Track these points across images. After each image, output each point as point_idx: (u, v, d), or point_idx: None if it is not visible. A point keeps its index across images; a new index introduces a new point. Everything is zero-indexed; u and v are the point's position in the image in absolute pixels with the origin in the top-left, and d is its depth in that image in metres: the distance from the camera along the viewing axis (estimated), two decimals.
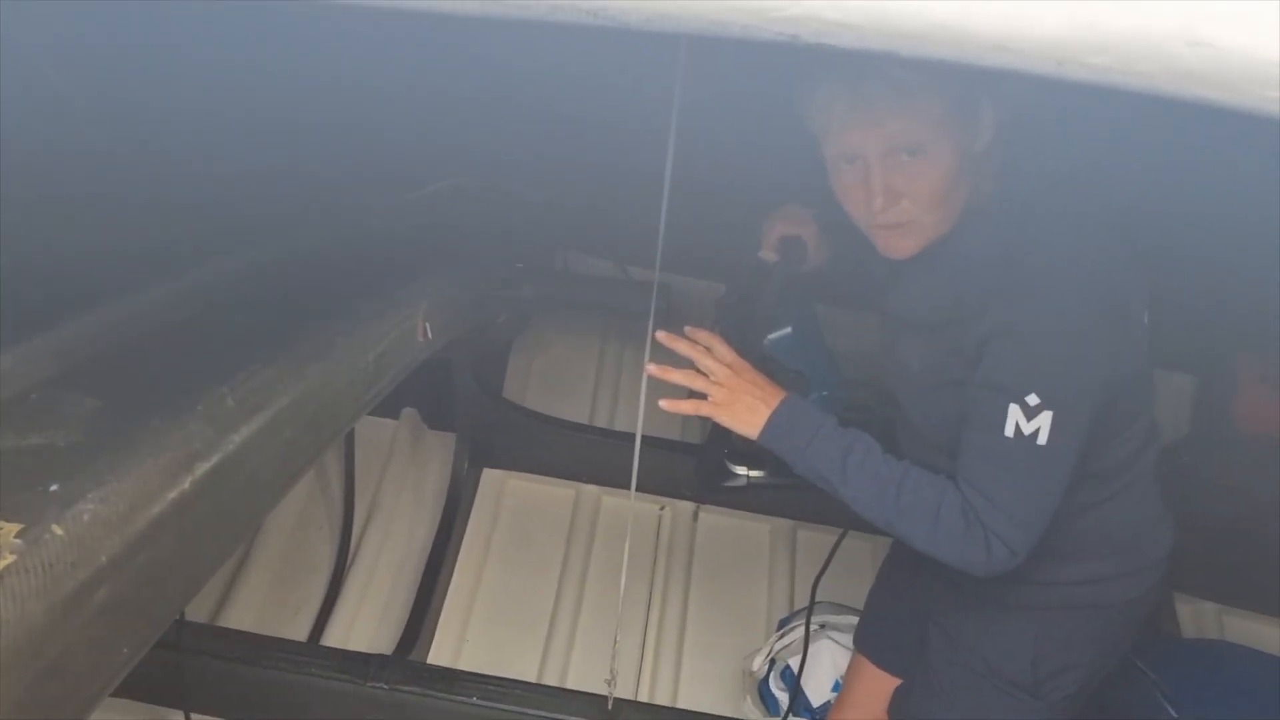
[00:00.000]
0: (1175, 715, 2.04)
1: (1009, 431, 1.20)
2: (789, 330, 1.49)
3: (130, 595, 0.93)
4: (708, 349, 1.36)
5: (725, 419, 1.34)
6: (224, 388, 1.11)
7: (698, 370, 1.36)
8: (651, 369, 1.36)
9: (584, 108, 1.79)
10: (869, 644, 1.82)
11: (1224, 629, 2.62)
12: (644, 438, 1.60)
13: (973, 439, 1.26)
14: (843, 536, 1.68)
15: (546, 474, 2.77)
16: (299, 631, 2.39)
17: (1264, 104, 0.67)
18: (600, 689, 2.06)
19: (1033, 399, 1.18)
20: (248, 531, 1.31)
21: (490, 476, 2.76)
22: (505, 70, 1.64)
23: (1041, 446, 1.19)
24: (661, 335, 1.38)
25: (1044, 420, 1.18)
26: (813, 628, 2.14)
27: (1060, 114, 1.19)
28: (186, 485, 1.02)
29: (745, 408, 1.33)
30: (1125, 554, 1.46)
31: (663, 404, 1.36)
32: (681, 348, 1.37)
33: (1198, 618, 2.64)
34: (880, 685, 1.74)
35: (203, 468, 1.04)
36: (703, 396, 1.35)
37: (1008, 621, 1.49)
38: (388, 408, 2.76)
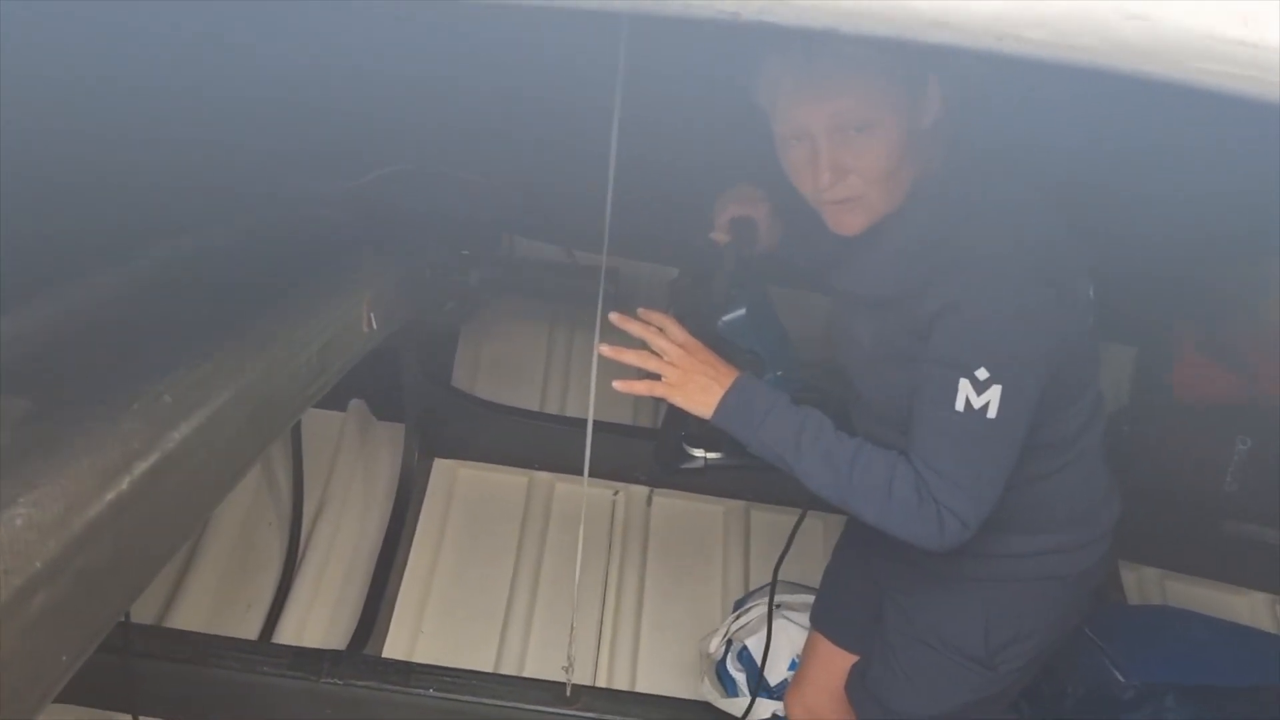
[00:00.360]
0: (1123, 680, 2.09)
1: (959, 406, 1.21)
2: (743, 311, 1.49)
3: (68, 601, 0.90)
4: (660, 330, 1.36)
5: (679, 399, 1.34)
6: (160, 385, 1.08)
7: (651, 351, 1.36)
8: (604, 349, 1.36)
9: (527, 90, 1.77)
10: (825, 622, 1.83)
11: (1166, 594, 2.69)
12: (596, 423, 1.60)
13: (924, 414, 1.27)
14: (802, 517, 1.68)
15: (499, 462, 2.75)
16: (250, 630, 2.36)
17: (1199, 76, 0.67)
18: (558, 676, 2.05)
19: (982, 373, 1.19)
20: (190, 531, 1.28)
21: (441, 466, 2.74)
22: (447, 52, 1.62)
23: (991, 420, 1.21)
24: (614, 317, 1.37)
25: (993, 394, 1.20)
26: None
27: (1004, 91, 1.20)
28: (124, 486, 0.99)
29: (699, 388, 1.33)
30: (1075, 526, 1.49)
31: (616, 385, 1.36)
32: (634, 329, 1.37)
33: (1141, 584, 2.70)
34: (837, 662, 1.76)
35: (140, 468, 1.02)
36: (656, 377, 1.34)
37: (960, 595, 1.51)
38: (335, 399, 2.71)
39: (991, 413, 1.20)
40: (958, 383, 1.21)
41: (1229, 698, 2.08)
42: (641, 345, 1.36)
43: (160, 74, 1.44)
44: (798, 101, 1.21)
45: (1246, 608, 2.67)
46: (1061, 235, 1.27)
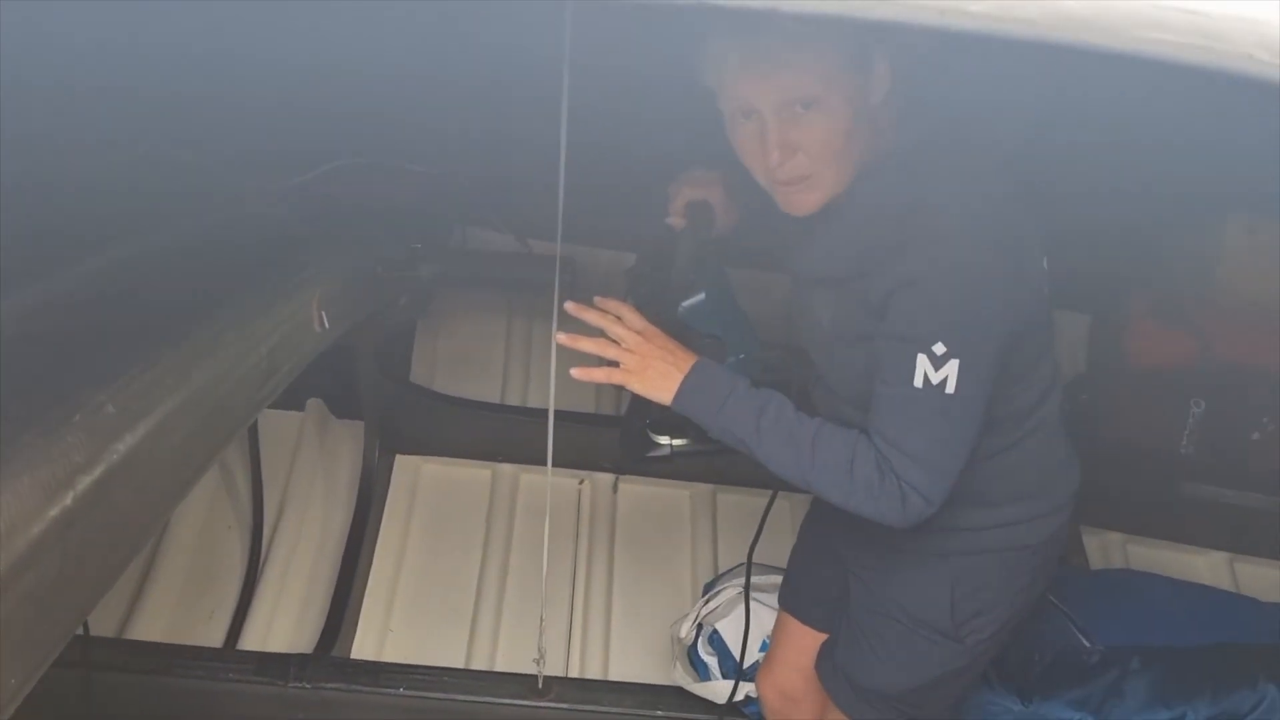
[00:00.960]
0: (1088, 645, 2.12)
1: (918, 382, 1.21)
2: (702, 295, 1.49)
3: (14, 623, 0.88)
4: (618, 318, 1.35)
5: (638, 386, 1.34)
6: (103, 395, 1.05)
7: (609, 339, 1.35)
8: (561, 338, 1.35)
9: (474, 78, 1.75)
10: (793, 602, 1.83)
11: (1129, 557, 2.73)
12: (559, 412, 1.59)
13: (883, 391, 1.27)
14: (773, 499, 1.68)
15: (461, 456, 2.73)
16: (214, 637, 2.32)
17: (1141, 45, 0.67)
18: (530, 669, 2.04)
19: (939, 348, 1.19)
20: (143, 543, 1.25)
21: (403, 463, 2.70)
22: (391, 43, 1.59)
23: (950, 395, 1.21)
24: (570, 306, 1.37)
25: (951, 368, 1.20)
26: (738, 590, 2.15)
27: (952, 64, 1.20)
28: (69, 501, 0.96)
29: (658, 374, 1.33)
30: (1035, 497, 1.50)
31: (574, 373, 1.35)
32: (590, 317, 1.36)
33: (1104, 548, 2.74)
34: (807, 642, 1.76)
35: (85, 481, 0.99)
36: (615, 365, 1.33)
37: (924, 569, 1.51)
38: (291, 399, 2.68)
39: (950, 387, 1.20)
40: (915, 358, 1.20)
41: (1192, 657, 2.12)
42: (599, 333, 1.35)
43: (90, 70, 1.40)
44: (744, 78, 1.20)
45: (1206, 567, 2.72)
46: (1014, 207, 1.27)
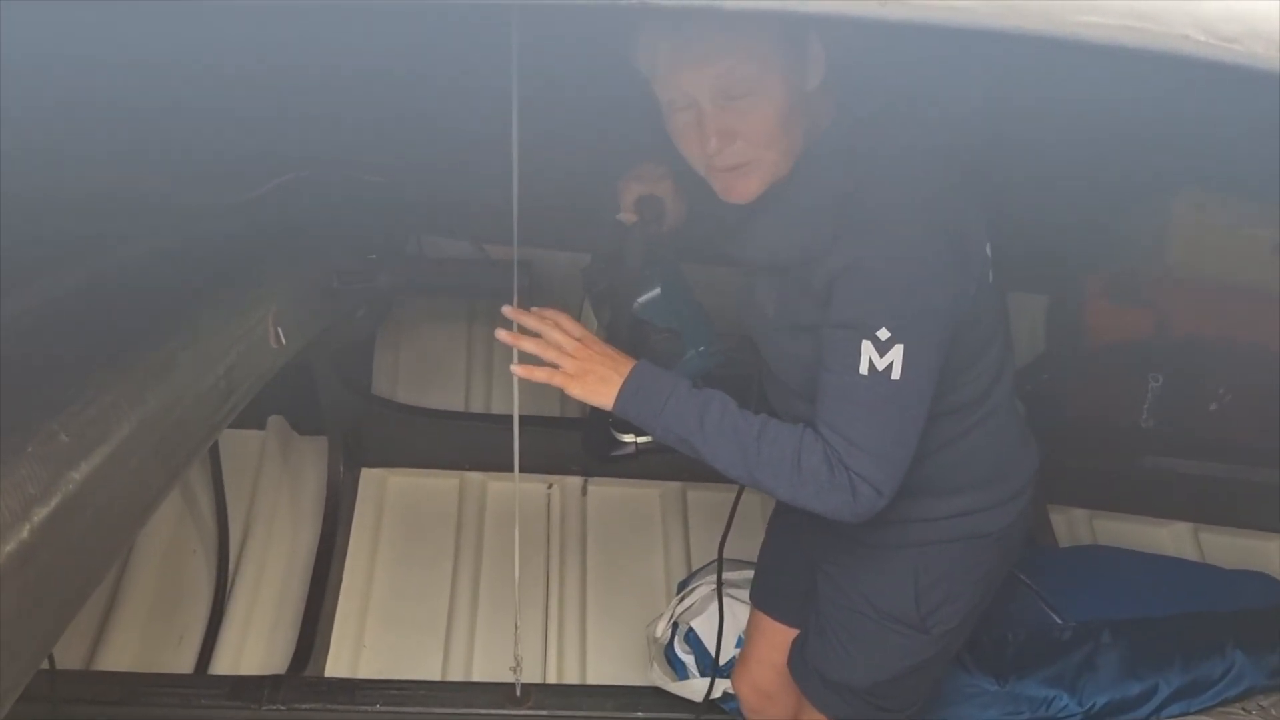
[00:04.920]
0: (1060, 622, 2.15)
1: (863, 369, 1.20)
2: (657, 291, 1.48)
3: None
4: (555, 324, 1.35)
5: (578, 390, 1.33)
6: (55, 423, 1.03)
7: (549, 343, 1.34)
8: (503, 334, 1.34)
9: (420, 86, 1.73)
10: (764, 598, 1.83)
11: (1096, 532, 2.77)
12: (524, 417, 1.58)
13: (828, 380, 1.26)
14: (740, 493, 1.68)
15: (427, 466, 2.70)
16: (184, 663, 2.28)
17: (1081, 30, 0.68)
18: (507, 677, 2.03)
19: (883, 333, 1.19)
20: (104, 572, 1.22)
21: (369, 476, 2.68)
22: (336, 52, 1.57)
23: (896, 381, 1.20)
24: (508, 309, 1.36)
25: (896, 354, 1.19)
26: (711, 587, 2.15)
27: (894, 47, 1.20)
28: (25, 534, 0.94)
29: (598, 379, 1.32)
30: (992, 484, 1.50)
31: (516, 369, 1.34)
32: (529, 321, 1.35)
33: (1071, 525, 2.77)
34: (780, 637, 1.76)
35: (41, 513, 0.97)
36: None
37: (887, 561, 1.52)
38: (252, 418, 2.64)
39: (896, 374, 1.19)
40: (860, 345, 1.20)
41: (1161, 627, 2.16)
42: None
43: (30, 84, 1.37)
44: (678, 67, 1.19)
45: (1170, 538, 2.77)
46: (956, 192, 1.27)
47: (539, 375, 1.34)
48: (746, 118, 1.20)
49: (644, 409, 1.31)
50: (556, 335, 1.33)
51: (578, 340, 1.34)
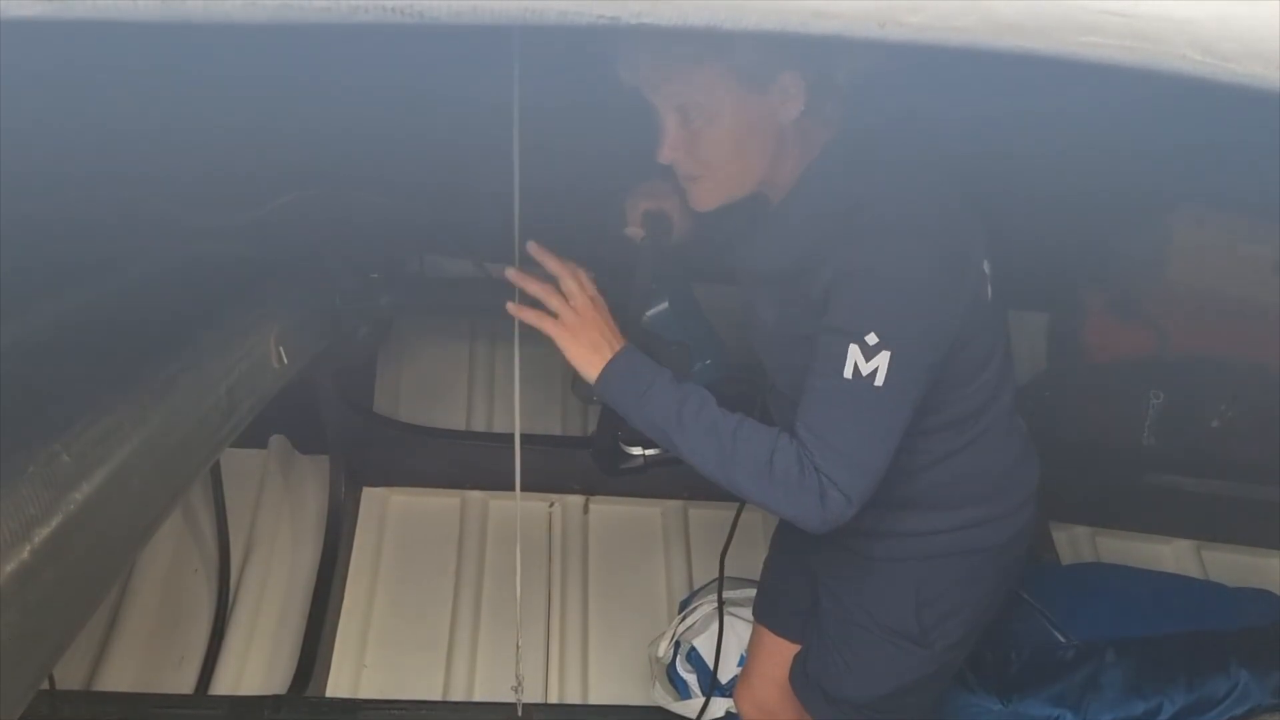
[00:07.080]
0: (1063, 640, 2.14)
1: (848, 373, 1.20)
2: (665, 304, 1.50)
3: None
4: (574, 275, 1.36)
5: (567, 344, 1.34)
6: (57, 444, 1.03)
7: (558, 291, 1.36)
8: (511, 273, 1.36)
9: (422, 107, 1.74)
10: (767, 614, 1.83)
11: (1098, 549, 2.76)
12: (525, 436, 1.58)
13: (813, 383, 1.26)
14: (741, 508, 1.68)
15: (429, 485, 2.70)
16: (184, 683, 2.28)
17: (1078, 49, 0.68)
18: (508, 696, 2.02)
19: (871, 338, 1.19)
20: (105, 592, 1.22)
21: (371, 495, 2.68)
22: (338, 74, 1.57)
23: (879, 388, 1.20)
24: (532, 246, 1.37)
25: (882, 360, 1.19)
26: (714, 606, 2.14)
27: (896, 69, 1.21)
28: (25, 556, 0.94)
29: (589, 344, 1.34)
30: (991, 499, 1.50)
31: (508, 307, 1.36)
32: (551, 264, 1.37)
33: (1074, 542, 2.76)
34: (783, 653, 1.76)
35: (42, 534, 0.97)
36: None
37: (887, 575, 1.52)
38: (254, 437, 2.64)
39: (879, 380, 1.19)
40: (847, 348, 1.20)
41: (1165, 646, 2.14)
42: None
43: (32, 108, 1.37)
44: (641, 82, 1.25)
45: (1173, 555, 2.76)
46: (956, 209, 1.28)
47: (528, 315, 1.35)
48: (699, 137, 1.26)
49: (626, 391, 1.32)
50: (571, 284, 1.35)
51: (589, 299, 1.35)
